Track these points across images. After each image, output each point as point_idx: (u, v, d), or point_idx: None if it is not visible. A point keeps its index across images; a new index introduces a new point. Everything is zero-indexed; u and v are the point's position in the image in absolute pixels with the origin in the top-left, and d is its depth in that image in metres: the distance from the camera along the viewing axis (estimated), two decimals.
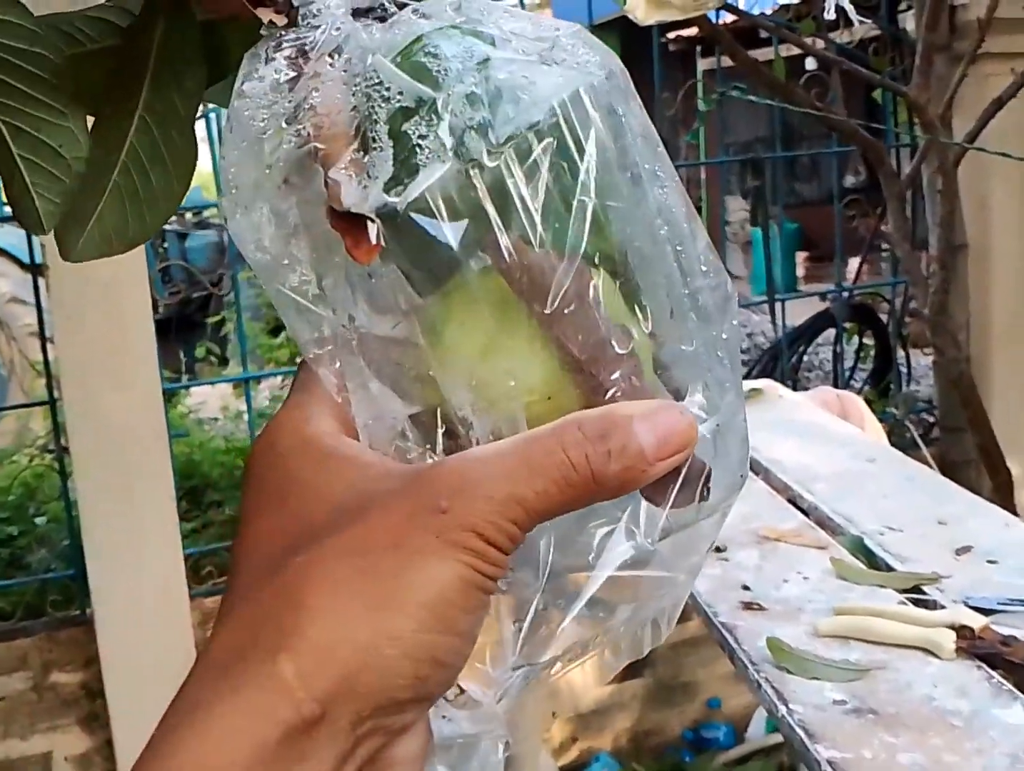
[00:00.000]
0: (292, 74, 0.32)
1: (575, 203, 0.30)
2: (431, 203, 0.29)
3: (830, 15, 1.58)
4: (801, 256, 7.39)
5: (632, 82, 0.33)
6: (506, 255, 0.30)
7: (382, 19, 0.33)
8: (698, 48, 4.75)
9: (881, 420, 2.39)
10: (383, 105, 0.30)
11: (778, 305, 3.07)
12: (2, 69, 0.36)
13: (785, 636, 1.12)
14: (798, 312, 3.52)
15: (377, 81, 0.30)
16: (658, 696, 2.54)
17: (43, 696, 2.25)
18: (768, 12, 3.63)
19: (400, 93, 0.30)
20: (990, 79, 2.39)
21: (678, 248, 0.33)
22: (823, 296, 3.55)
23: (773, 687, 1.04)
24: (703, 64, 5.31)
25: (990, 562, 1.28)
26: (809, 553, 1.34)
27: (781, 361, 3.13)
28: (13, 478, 2.85)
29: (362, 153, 0.30)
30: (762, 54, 3.61)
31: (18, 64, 0.36)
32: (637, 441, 0.30)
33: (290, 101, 0.31)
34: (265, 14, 0.32)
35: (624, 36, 6.88)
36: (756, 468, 1.66)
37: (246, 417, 2.67)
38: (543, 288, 0.30)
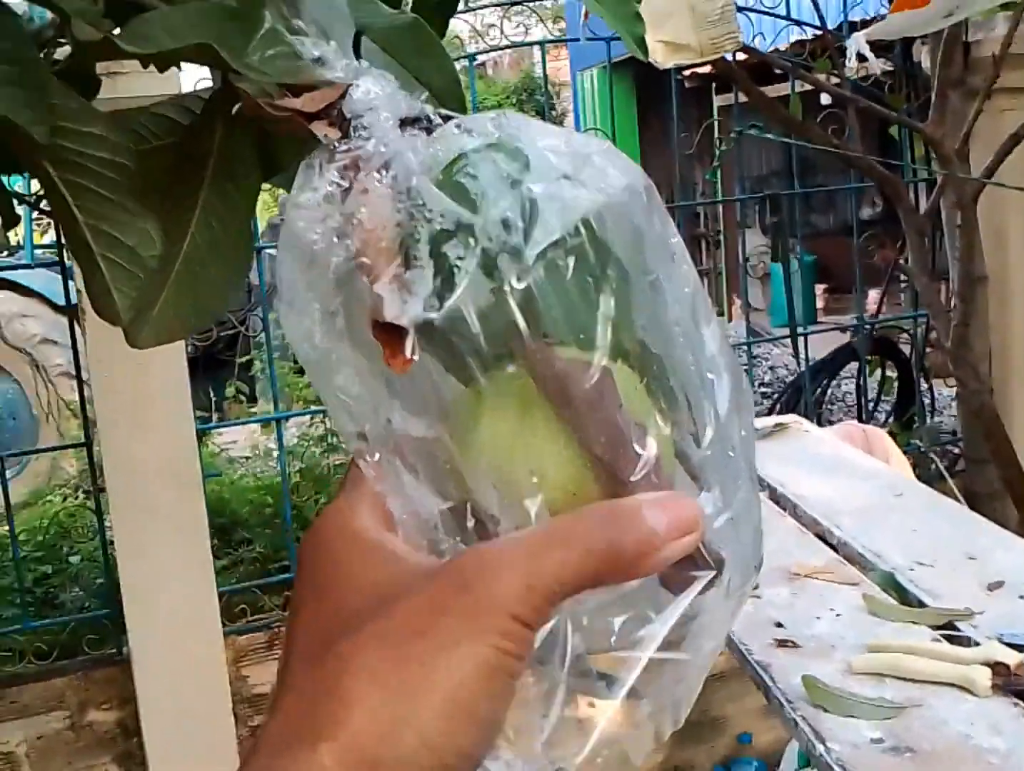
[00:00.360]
0: (344, 185, 0.34)
1: (599, 313, 0.34)
2: (466, 317, 0.33)
3: (851, 63, 1.61)
4: (820, 288, 7.40)
5: (657, 194, 0.36)
6: (535, 363, 0.33)
7: (428, 130, 0.36)
8: (713, 85, 4.80)
9: (905, 452, 2.39)
10: (424, 225, 0.33)
11: (800, 339, 3.08)
12: (87, 176, 0.39)
13: (819, 673, 1.13)
14: (819, 343, 3.53)
15: (420, 202, 0.34)
16: (687, 732, 2.53)
17: (80, 735, 2.28)
18: (783, 48, 3.67)
19: (441, 216, 0.33)
20: (1005, 114, 2.42)
21: (690, 357, 0.36)
22: (844, 329, 3.56)
23: (810, 725, 1.04)
24: (719, 100, 5.36)
25: (1022, 597, 1.29)
26: (840, 589, 1.35)
27: (804, 395, 3.13)
28: (48, 518, 2.89)
29: (404, 269, 0.33)
30: (775, 90, 3.65)
31: (100, 172, 0.40)
32: (648, 522, 0.33)
33: (341, 213, 0.34)
34: (320, 128, 0.35)
35: (641, 75, 6.95)
36: (783, 504, 1.67)
37: (275, 455, 2.70)
38: (569, 393, 0.33)
